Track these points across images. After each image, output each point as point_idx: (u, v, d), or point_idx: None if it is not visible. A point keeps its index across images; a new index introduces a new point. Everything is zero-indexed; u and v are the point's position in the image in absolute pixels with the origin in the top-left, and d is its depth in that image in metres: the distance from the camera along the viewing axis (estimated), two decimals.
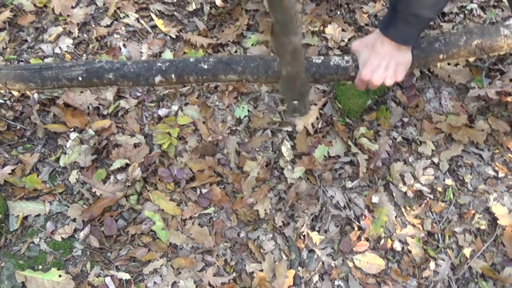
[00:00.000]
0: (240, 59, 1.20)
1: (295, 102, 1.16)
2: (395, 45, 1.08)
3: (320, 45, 1.83)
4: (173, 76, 1.20)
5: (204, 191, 1.60)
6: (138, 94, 1.76)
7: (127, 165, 1.61)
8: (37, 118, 1.67)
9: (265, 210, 1.56)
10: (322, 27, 1.87)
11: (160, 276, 1.48)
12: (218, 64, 1.20)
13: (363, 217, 1.56)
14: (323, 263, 1.51)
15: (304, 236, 1.54)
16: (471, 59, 1.20)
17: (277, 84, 1.20)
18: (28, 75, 1.23)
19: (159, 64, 1.20)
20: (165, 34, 1.90)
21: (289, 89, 1.11)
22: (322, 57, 1.20)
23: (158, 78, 1.20)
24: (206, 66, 1.19)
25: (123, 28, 1.90)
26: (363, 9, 1.93)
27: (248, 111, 1.72)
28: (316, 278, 1.49)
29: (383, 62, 1.09)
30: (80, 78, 1.21)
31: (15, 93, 1.67)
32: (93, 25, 1.91)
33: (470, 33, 1.18)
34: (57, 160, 1.64)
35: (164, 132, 1.67)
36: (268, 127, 1.70)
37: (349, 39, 1.83)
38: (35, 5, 1.93)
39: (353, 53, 1.19)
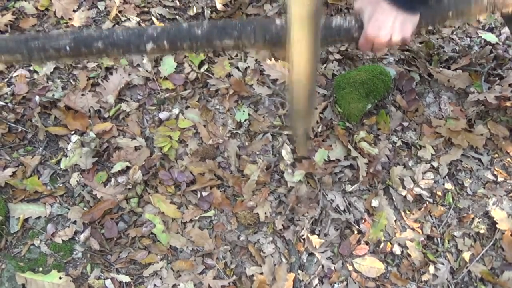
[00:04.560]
0: (236, 23, 1.15)
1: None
2: None
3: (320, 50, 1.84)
4: (165, 42, 1.15)
5: (204, 194, 1.60)
6: (139, 97, 1.77)
7: (128, 168, 1.62)
8: (38, 120, 1.67)
9: (265, 213, 1.56)
10: None
11: (160, 278, 1.48)
12: (213, 29, 1.14)
13: (363, 221, 1.57)
14: (323, 266, 1.51)
15: (304, 239, 1.54)
16: (483, 15, 1.14)
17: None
18: (13, 46, 1.17)
19: (150, 30, 1.15)
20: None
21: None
22: (323, 19, 1.13)
23: (149, 46, 1.15)
24: (200, 32, 1.14)
25: None
26: None
27: (249, 114, 1.73)
28: (315, 281, 1.49)
29: (389, 17, 1.03)
30: (68, 48, 1.15)
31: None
32: (94, 28, 1.91)
33: None
34: (58, 162, 1.64)
35: (164, 135, 1.67)
36: (268, 130, 1.71)
37: (349, 44, 1.84)
38: (36, 8, 1.94)
39: (356, 13, 1.12)
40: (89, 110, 1.71)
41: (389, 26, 1.03)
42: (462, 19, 1.15)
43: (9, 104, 1.71)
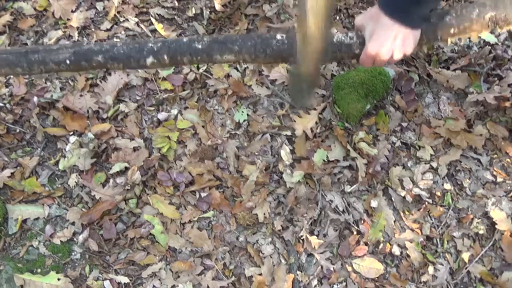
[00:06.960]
0: (237, 37, 1.15)
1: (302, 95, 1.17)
2: None
3: None
4: (165, 57, 1.15)
5: (203, 195, 1.60)
6: (138, 98, 1.77)
7: (127, 168, 1.61)
8: (37, 121, 1.67)
9: (264, 214, 1.56)
10: None
11: (159, 279, 1.48)
12: (213, 43, 1.14)
13: (362, 222, 1.57)
14: (322, 267, 1.51)
15: (303, 240, 1.54)
16: (485, 32, 1.13)
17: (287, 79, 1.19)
18: (13, 60, 1.16)
19: (150, 44, 1.15)
20: (165, 38, 1.90)
21: (298, 84, 1.12)
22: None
23: (150, 60, 1.15)
24: (200, 46, 1.14)
25: (123, 32, 1.90)
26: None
27: (248, 115, 1.73)
28: (315, 282, 1.49)
29: (390, 34, 1.00)
30: (68, 62, 1.15)
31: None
32: (93, 29, 1.91)
33: (483, 6, 1.10)
34: (57, 163, 1.64)
35: (163, 136, 1.67)
36: (267, 131, 1.70)
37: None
38: (35, 9, 1.94)
39: (357, 29, 1.11)
40: (88, 111, 1.70)
41: (391, 43, 1.02)
42: (464, 36, 1.14)
43: (8, 105, 1.71)
